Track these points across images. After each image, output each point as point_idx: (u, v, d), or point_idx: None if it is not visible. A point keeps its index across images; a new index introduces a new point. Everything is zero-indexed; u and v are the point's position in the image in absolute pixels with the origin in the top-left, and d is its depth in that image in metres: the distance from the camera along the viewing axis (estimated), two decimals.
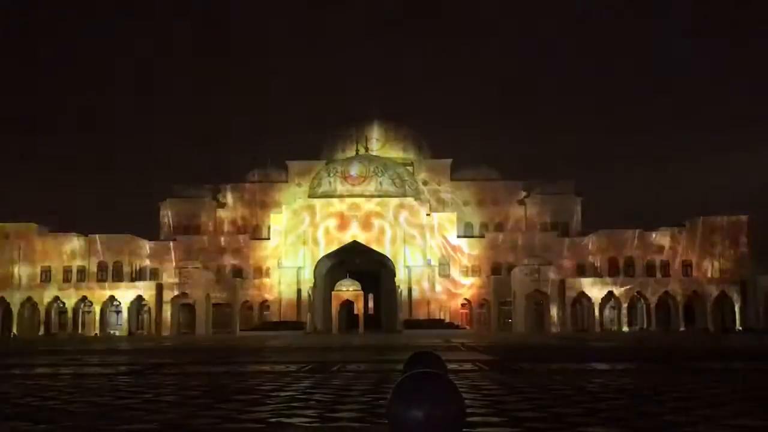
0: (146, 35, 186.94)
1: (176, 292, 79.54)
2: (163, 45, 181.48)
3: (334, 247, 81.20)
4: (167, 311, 79.96)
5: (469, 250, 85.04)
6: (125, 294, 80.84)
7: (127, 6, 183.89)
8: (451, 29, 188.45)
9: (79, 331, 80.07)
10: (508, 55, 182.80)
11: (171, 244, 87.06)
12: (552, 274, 79.79)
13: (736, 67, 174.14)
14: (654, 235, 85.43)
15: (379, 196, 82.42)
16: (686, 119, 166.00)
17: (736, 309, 78.84)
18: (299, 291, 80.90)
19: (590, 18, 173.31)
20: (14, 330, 77.84)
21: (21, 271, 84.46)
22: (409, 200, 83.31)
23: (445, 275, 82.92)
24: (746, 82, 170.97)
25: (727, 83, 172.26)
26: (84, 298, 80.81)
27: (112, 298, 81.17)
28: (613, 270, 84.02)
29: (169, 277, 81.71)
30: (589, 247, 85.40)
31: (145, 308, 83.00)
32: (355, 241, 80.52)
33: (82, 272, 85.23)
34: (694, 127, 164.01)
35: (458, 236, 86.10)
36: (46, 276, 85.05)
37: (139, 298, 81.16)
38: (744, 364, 15.13)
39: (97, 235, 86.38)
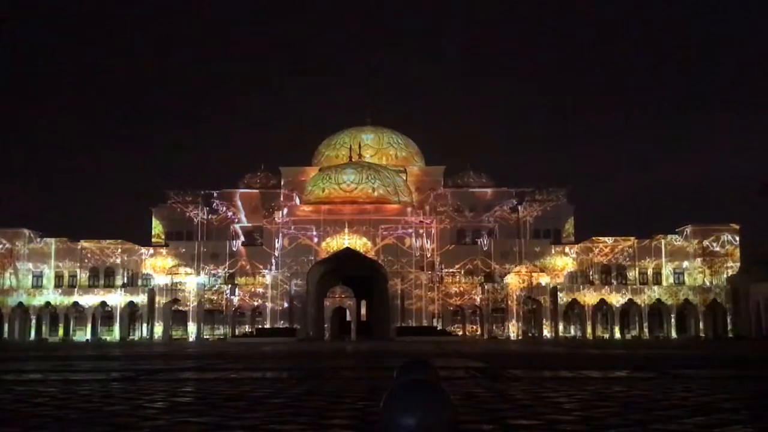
0: (143, 40, 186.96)
1: (168, 298, 79.33)
2: (161, 47, 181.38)
3: (327, 254, 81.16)
4: (159, 317, 79.73)
5: (461, 256, 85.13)
6: (117, 300, 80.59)
7: (124, 11, 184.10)
8: (449, 34, 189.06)
9: (71, 336, 79.73)
10: (506, 58, 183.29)
11: (163, 249, 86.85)
12: (544, 282, 79.92)
13: (735, 68, 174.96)
14: (646, 243, 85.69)
15: (372, 203, 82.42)
16: (683, 123, 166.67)
17: (728, 317, 79.07)
18: (291, 297, 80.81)
19: (589, 21, 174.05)
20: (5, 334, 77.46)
21: (12, 276, 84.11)
22: (402, 207, 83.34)
23: (438, 282, 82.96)
24: (748, 84, 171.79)
25: (727, 83, 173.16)
26: (76, 304, 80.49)
27: (103, 303, 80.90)
28: (606, 277, 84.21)
29: (161, 283, 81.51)
30: (582, 254, 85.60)
31: (138, 314, 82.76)
32: (347, 247, 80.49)
33: (74, 278, 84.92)
34: (693, 129, 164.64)
35: (451, 243, 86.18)
36: (38, 282, 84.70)
37: (131, 303, 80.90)
38: (736, 371, 15.17)
39: (88, 241, 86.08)
